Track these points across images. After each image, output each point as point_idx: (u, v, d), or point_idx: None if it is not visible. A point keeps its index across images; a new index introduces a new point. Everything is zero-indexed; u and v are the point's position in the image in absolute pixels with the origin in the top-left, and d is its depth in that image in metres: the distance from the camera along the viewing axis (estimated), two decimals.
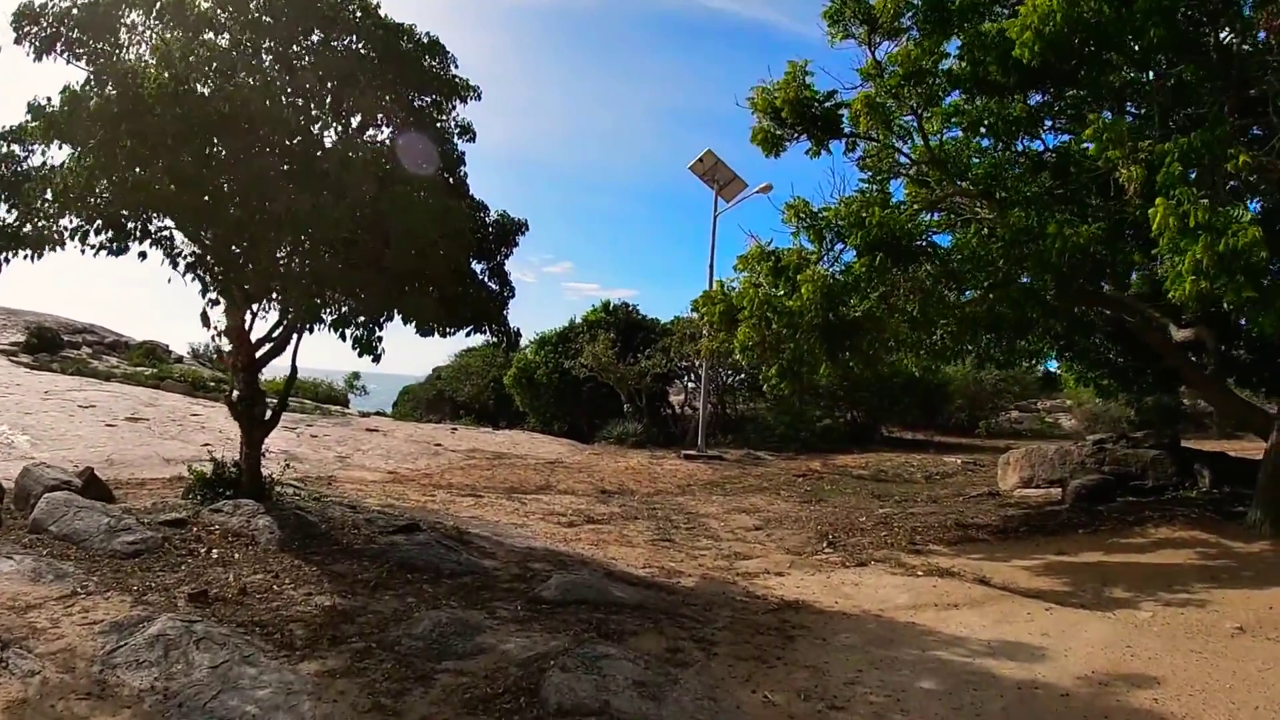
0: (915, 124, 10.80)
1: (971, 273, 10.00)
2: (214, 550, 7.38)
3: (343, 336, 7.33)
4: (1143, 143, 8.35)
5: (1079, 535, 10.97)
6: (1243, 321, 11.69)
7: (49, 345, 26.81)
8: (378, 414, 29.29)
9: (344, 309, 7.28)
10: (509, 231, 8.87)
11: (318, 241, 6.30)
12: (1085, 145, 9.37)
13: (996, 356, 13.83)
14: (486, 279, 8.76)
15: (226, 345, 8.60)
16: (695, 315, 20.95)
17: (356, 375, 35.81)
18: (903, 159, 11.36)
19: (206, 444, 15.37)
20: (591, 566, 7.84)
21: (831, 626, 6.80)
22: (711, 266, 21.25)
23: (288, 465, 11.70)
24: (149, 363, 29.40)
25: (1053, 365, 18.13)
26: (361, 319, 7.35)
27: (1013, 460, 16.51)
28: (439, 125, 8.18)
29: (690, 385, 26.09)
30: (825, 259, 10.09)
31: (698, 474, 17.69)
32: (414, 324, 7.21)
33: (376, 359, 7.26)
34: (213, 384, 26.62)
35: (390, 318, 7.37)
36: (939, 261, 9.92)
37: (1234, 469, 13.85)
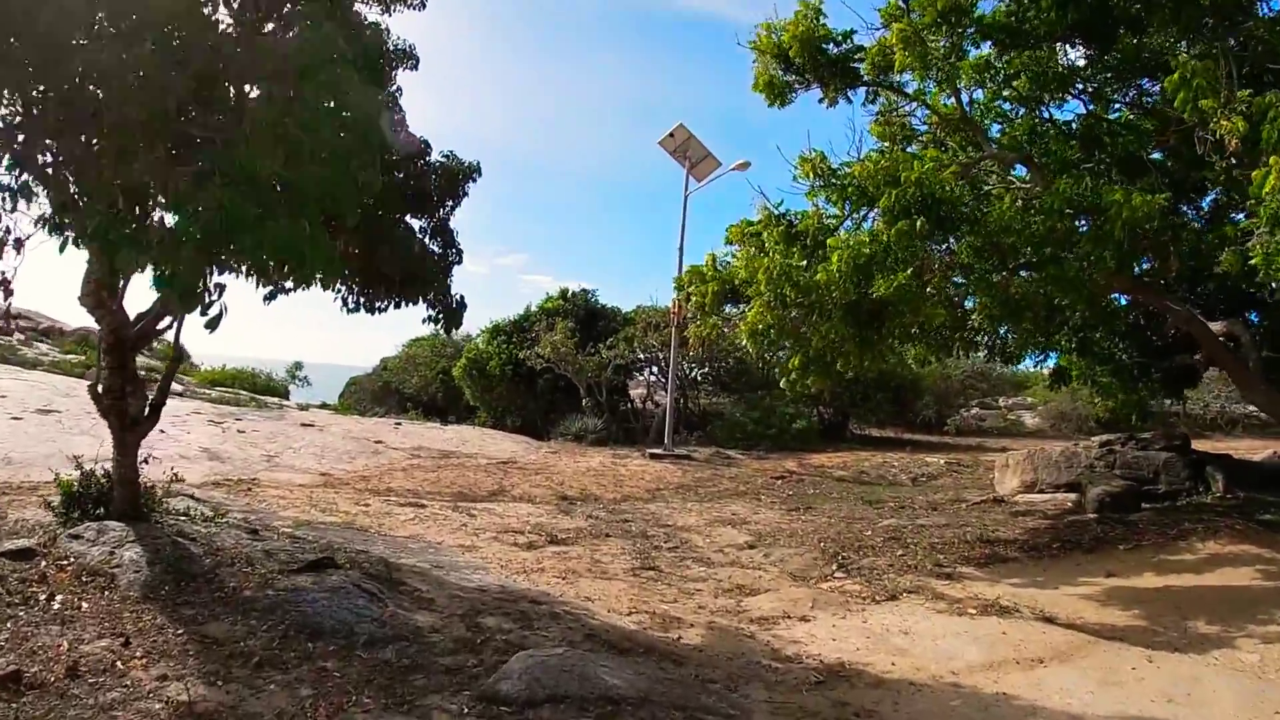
0: (941, 78, 8.87)
1: (1017, 247, 8.06)
2: (57, 597, 5.25)
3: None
4: (1241, 92, 6.59)
5: (1120, 552, 9.43)
6: None
7: None
8: (320, 406, 26.86)
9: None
10: (456, 177, 6.71)
11: (133, 123, 3.86)
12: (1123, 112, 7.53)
13: (1010, 349, 12.01)
14: (427, 239, 6.60)
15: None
16: (676, 297, 18.95)
17: (299, 365, 33.22)
18: (916, 121, 9.44)
19: None
20: (564, 622, 5.70)
21: (906, 708, 4.83)
22: (681, 249, 19.28)
23: (199, 486, 9.24)
24: (81, 349, 27.12)
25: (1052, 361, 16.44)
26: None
27: (1012, 462, 14.80)
28: (367, 31, 5.98)
29: (652, 379, 24.09)
30: (847, 224, 8.05)
31: (666, 476, 15.67)
32: (298, 280, 4.79)
33: (213, 323, 4.61)
34: (143, 371, 24.14)
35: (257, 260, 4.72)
36: (983, 232, 7.95)
37: (1243, 472, 12.93)
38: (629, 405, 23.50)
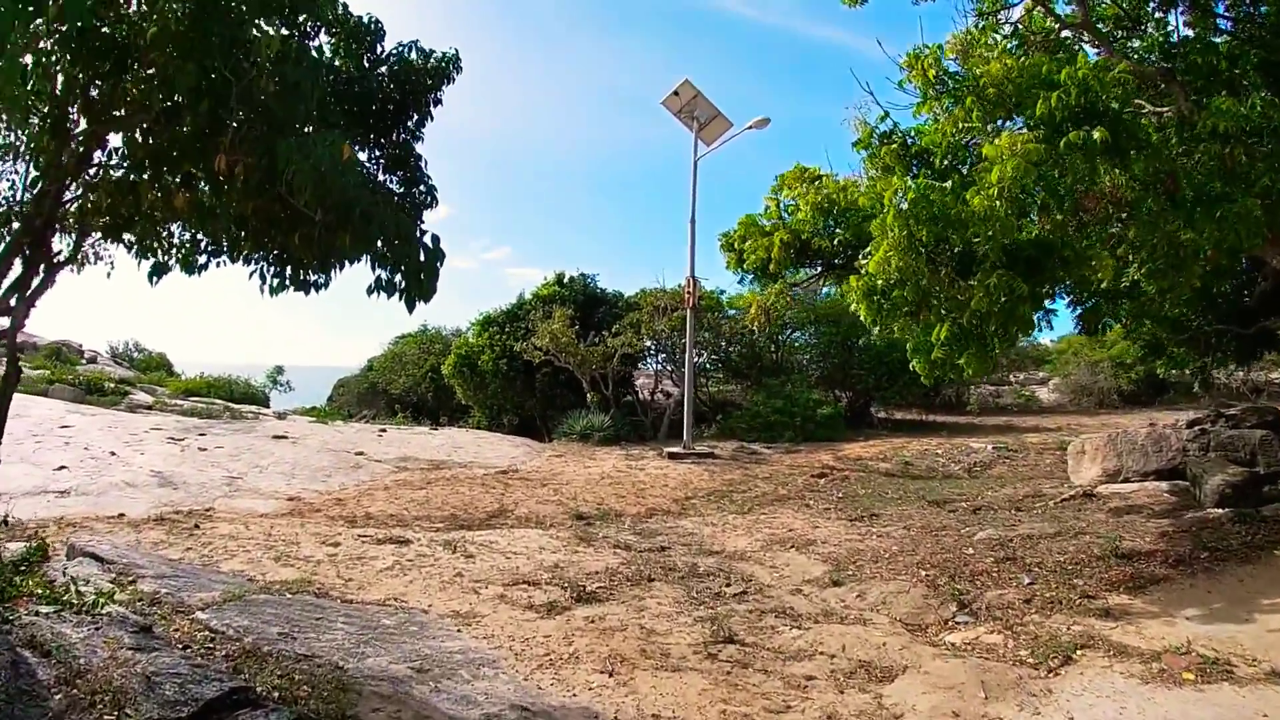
0: None
1: (1203, 178, 5.63)
2: None
3: None
4: None
5: None
6: None
7: None
8: (304, 411, 24.27)
9: None
10: (421, 81, 4.20)
11: None
12: None
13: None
14: (380, 171, 4.11)
15: None
16: (689, 276, 16.53)
17: (279, 370, 30.49)
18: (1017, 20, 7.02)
19: (62, 466, 11.45)
20: None
21: None
22: (693, 220, 16.68)
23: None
24: (52, 364, 25.01)
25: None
26: None
27: (1089, 448, 12.45)
28: None
29: (656, 368, 21.59)
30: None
31: (693, 480, 13.24)
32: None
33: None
34: (111, 386, 21.68)
35: None
36: (1157, 158, 5.50)
37: None
38: (635, 397, 21.02)
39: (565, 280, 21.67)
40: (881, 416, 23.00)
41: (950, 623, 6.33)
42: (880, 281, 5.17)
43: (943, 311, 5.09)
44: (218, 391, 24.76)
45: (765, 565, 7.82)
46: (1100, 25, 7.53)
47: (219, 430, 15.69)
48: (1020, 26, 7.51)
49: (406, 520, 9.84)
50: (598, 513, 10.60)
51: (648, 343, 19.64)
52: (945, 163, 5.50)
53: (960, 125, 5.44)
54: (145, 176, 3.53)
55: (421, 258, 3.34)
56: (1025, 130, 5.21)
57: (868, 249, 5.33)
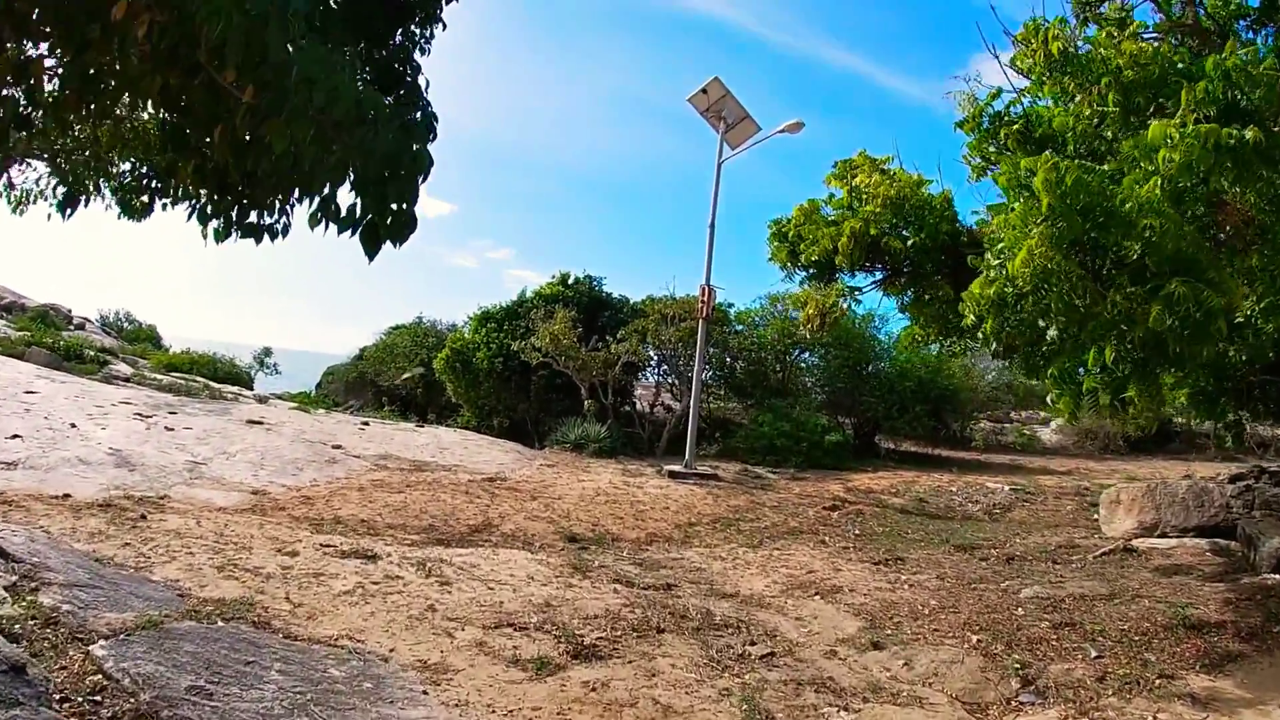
0: None
1: None
2: None
3: None
4: None
5: None
6: None
7: None
8: (282, 396, 22.99)
9: None
10: None
11: None
12: None
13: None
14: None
15: None
16: (704, 284, 15.40)
17: (268, 351, 29.18)
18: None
19: (15, 435, 10.38)
20: None
21: None
22: (712, 227, 15.54)
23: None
24: (36, 326, 24.04)
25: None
26: None
27: (1125, 498, 11.37)
28: None
29: (657, 379, 20.42)
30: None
31: (696, 504, 12.07)
32: None
33: None
34: (92, 354, 20.43)
35: None
36: None
37: None
38: (634, 409, 19.83)
39: (570, 281, 20.50)
40: (888, 447, 21.86)
41: (1014, 702, 5.22)
42: (1011, 290, 4.02)
43: (1099, 330, 3.95)
44: (200, 369, 23.50)
45: (789, 616, 6.66)
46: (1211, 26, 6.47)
47: (192, 409, 14.47)
48: (1120, 19, 6.42)
49: (378, 528, 8.67)
50: (593, 535, 9.45)
51: (650, 353, 18.48)
52: (1079, 150, 4.41)
53: (1095, 108, 4.35)
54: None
55: (390, 203, 2.22)
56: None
57: (998, 248, 4.20)
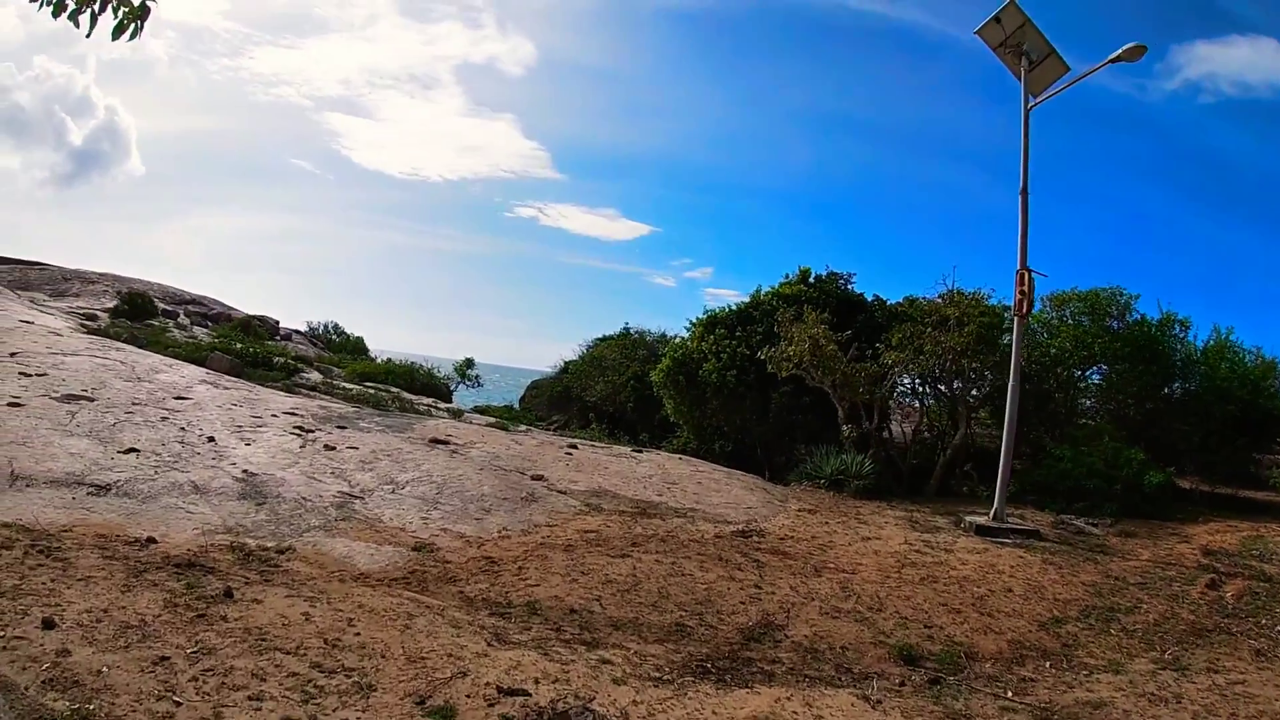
0: None
1: None
2: None
3: None
4: None
5: None
6: None
7: (140, 313, 22.20)
8: (479, 410, 20.35)
9: None
10: None
11: None
12: None
13: None
14: None
15: None
16: (1022, 269, 11.18)
17: (470, 362, 26.79)
18: None
19: (131, 449, 8.08)
20: None
21: None
22: (1024, 192, 11.26)
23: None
24: (236, 335, 22.98)
25: None
26: None
27: None
28: None
29: (920, 399, 16.03)
30: None
31: (1039, 579, 8.01)
32: None
33: None
34: (283, 362, 18.61)
35: None
36: None
37: None
38: (890, 435, 15.62)
39: (811, 279, 16.65)
40: (1184, 487, 16.34)
41: None
42: None
43: None
44: (396, 378, 21.29)
45: None
46: None
47: (367, 424, 11.71)
48: None
49: (597, 627, 5.23)
50: (938, 651, 5.64)
51: (935, 367, 14.21)
52: None
53: None
54: None
55: None
56: None
57: None
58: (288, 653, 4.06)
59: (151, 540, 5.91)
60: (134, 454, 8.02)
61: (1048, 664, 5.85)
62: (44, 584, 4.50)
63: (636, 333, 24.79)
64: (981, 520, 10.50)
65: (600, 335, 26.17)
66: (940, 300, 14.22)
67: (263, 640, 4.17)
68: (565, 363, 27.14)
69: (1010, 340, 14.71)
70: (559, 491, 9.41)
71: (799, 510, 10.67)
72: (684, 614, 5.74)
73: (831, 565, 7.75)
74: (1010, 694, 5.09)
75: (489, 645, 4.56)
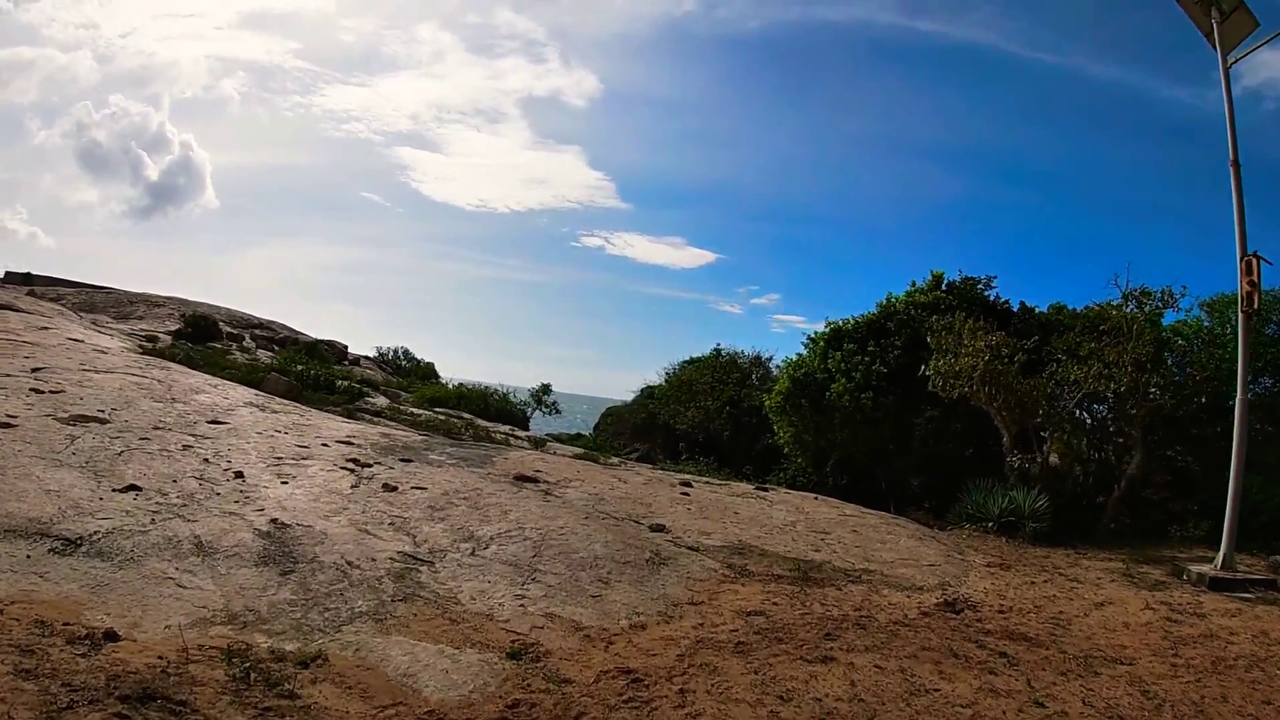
0: None
1: None
2: None
3: None
4: None
5: None
6: None
7: (203, 335, 21.30)
8: (561, 439, 18.03)
9: None
10: None
11: None
12: None
13: None
14: None
15: None
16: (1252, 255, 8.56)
17: (546, 389, 24.55)
18: None
19: (132, 486, 6.12)
20: None
21: None
22: (1235, 164, 8.74)
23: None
24: (301, 357, 21.33)
25: None
26: None
27: None
28: None
29: (1092, 421, 13.19)
30: None
31: None
32: None
33: None
34: (346, 385, 16.73)
35: None
36: None
37: None
38: (1045, 464, 12.83)
39: (948, 285, 14.10)
40: None
41: None
42: None
43: None
44: (469, 404, 19.16)
45: None
46: None
47: (437, 457, 9.50)
48: None
49: None
50: None
51: (1112, 384, 11.46)
52: None
53: None
54: None
55: None
56: None
57: None
58: None
59: (110, 636, 3.75)
60: (132, 493, 5.94)
61: None
62: None
63: (728, 354, 22.35)
64: (1209, 570, 7.94)
65: (689, 357, 23.78)
66: (1111, 306, 11.51)
67: None
68: (648, 387, 24.80)
69: (1149, 341, 11.66)
70: (689, 548, 7.03)
71: (986, 566, 8.12)
72: None
73: (1097, 654, 5.27)
74: None
75: None
